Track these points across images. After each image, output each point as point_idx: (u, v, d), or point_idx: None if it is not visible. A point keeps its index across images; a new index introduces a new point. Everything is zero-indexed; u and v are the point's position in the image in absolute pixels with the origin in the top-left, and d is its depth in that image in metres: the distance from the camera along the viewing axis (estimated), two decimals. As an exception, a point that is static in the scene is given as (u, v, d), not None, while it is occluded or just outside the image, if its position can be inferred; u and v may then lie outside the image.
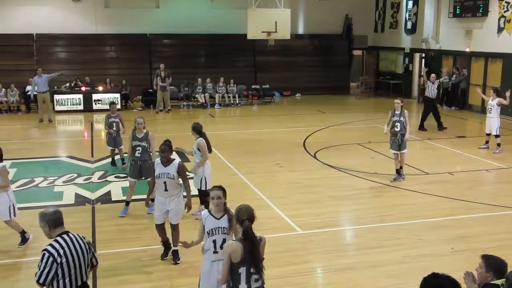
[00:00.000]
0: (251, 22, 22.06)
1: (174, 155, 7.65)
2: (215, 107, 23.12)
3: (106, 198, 10.60)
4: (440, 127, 17.70)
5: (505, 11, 19.96)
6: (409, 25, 26.07)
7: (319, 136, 16.88)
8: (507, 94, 14.32)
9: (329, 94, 26.43)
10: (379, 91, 28.41)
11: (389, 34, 27.84)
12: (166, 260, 7.71)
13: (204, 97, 23.26)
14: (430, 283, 3.22)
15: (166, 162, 7.48)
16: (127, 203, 9.71)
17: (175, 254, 7.68)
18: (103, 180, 11.80)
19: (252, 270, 4.80)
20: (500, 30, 20.27)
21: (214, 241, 5.46)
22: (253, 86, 25.19)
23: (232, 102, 23.77)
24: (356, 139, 15.97)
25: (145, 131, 9.76)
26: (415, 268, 7.36)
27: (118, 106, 16.79)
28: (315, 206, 10.13)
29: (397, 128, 11.47)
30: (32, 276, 7.33)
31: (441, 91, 22.92)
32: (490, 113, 14.50)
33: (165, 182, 7.44)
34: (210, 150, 9.52)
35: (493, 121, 14.47)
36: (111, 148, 12.92)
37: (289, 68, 26.56)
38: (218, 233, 5.46)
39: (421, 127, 17.71)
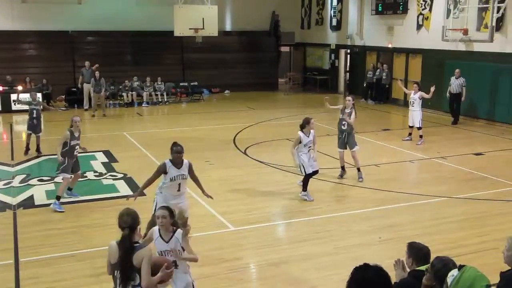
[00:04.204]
0: (178, 19, 21.80)
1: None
2: (143, 105, 22.72)
3: (28, 203, 10.14)
4: None
5: (423, 9, 20.78)
6: (334, 22, 26.62)
7: (249, 132, 16.93)
8: (432, 89, 14.86)
9: (258, 90, 26.58)
10: (307, 86, 28.91)
11: (315, 31, 28.34)
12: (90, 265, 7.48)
13: (131, 95, 22.80)
14: (358, 275, 3.24)
15: (179, 163, 7.50)
16: (58, 197, 9.68)
17: None
18: (24, 184, 11.28)
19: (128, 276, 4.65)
20: (419, 27, 21.08)
21: None
22: (181, 84, 24.98)
23: (160, 100, 23.43)
24: (285, 135, 16.10)
25: (79, 129, 10.06)
26: (346, 258, 7.51)
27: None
28: (246, 202, 10.14)
29: (344, 126, 11.41)
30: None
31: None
32: (413, 106, 15.03)
33: (179, 184, 7.51)
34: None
35: (415, 114, 15.01)
36: (30, 132, 13.67)
37: (217, 65, 26.48)
38: (168, 255, 5.23)
39: None
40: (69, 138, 9.75)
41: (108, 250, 4.72)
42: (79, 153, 10.18)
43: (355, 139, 11.68)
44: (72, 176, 10.07)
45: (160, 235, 5.28)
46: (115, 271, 4.68)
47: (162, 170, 7.48)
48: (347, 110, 11.50)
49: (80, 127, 10.10)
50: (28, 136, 13.73)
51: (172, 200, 7.37)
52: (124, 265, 4.59)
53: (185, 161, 7.60)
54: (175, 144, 7.58)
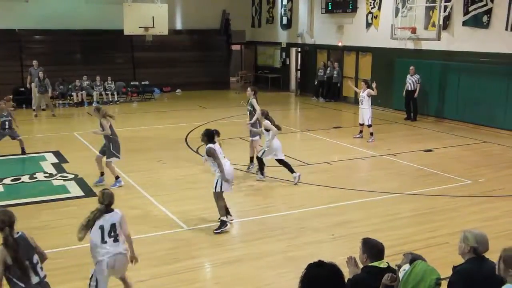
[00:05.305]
0: (128, 18, 21.46)
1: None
2: (93, 105, 22.22)
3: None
4: None
5: (372, 8, 21.14)
6: (284, 20, 26.78)
7: (201, 131, 16.76)
8: (374, 85, 15.19)
9: (209, 89, 26.50)
10: (258, 85, 28.85)
11: (266, 29, 28.44)
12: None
13: (81, 95, 22.31)
14: (311, 272, 3.26)
15: (205, 145, 8.82)
16: (117, 177, 10.91)
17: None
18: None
19: (34, 261, 4.87)
20: (368, 25, 21.45)
21: None
22: (132, 83, 24.64)
23: (110, 99, 23.03)
24: (237, 133, 16.09)
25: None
26: (299, 256, 7.55)
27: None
28: (199, 201, 10.05)
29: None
30: None
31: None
32: (362, 104, 15.27)
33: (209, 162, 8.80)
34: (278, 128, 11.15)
35: (365, 112, 15.24)
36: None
37: (168, 64, 26.23)
38: None
39: None
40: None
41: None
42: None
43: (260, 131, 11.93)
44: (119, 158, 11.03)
45: None
46: (25, 262, 4.76)
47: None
48: (249, 107, 12.18)
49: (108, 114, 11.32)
50: None
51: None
52: (20, 261, 4.71)
53: (207, 146, 8.76)
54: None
